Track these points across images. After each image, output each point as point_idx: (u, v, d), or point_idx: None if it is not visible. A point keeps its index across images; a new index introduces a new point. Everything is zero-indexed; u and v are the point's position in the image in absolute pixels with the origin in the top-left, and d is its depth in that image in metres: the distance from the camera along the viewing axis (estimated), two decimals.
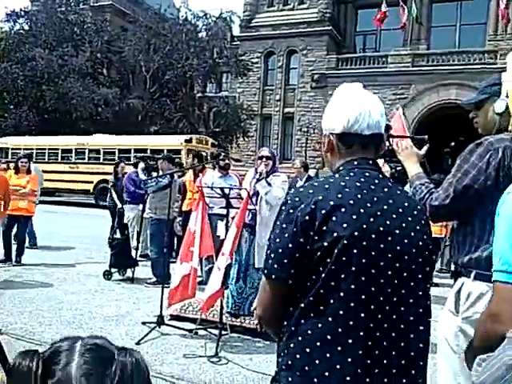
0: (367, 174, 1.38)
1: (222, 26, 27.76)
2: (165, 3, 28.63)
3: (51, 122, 24.91)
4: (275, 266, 1.31)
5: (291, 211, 1.31)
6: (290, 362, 1.30)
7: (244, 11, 29.54)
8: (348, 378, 1.23)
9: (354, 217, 1.28)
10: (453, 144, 20.45)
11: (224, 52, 26.32)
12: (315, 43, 27.38)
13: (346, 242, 1.25)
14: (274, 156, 4.88)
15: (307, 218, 1.28)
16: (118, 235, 7.03)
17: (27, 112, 25.56)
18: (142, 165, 7.25)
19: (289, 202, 1.37)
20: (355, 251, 1.27)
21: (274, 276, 1.32)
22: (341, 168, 1.42)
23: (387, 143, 2.40)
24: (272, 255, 1.33)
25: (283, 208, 1.37)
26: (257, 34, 28.67)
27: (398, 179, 2.47)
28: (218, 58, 26.17)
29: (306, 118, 27.37)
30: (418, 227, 1.38)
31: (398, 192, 1.41)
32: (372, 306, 1.27)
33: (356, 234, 1.27)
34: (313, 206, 1.29)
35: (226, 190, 4.60)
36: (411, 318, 1.34)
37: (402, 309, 1.33)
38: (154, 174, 6.84)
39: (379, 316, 1.28)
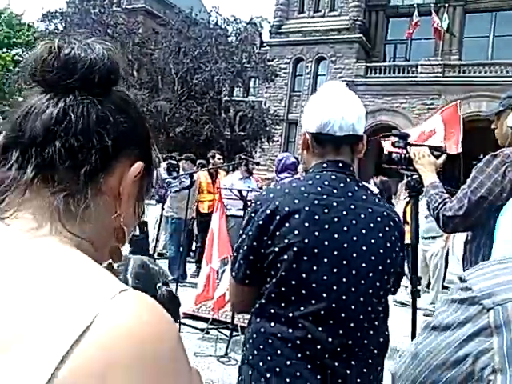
0: (333, 177, 1.37)
1: (252, 31, 27.91)
2: (196, 7, 28.91)
3: None
4: (235, 265, 1.37)
5: (252, 214, 1.35)
6: (250, 357, 1.33)
7: (274, 17, 29.63)
8: (298, 374, 1.26)
9: (307, 224, 1.28)
10: (481, 157, 20.07)
11: (252, 57, 26.44)
12: (345, 50, 27.25)
13: (295, 248, 1.26)
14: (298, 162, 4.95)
15: (263, 222, 1.31)
16: (137, 232, 7.09)
17: None
18: (164, 164, 7.31)
19: (252, 204, 1.40)
20: (305, 258, 1.26)
21: (233, 274, 1.39)
22: (310, 170, 1.43)
23: (404, 151, 2.39)
24: (234, 254, 1.39)
25: (248, 210, 1.42)
26: (286, 40, 28.71)
27: (414, 187, 2.44)
28: (247, 62, 26.28)
29: None
30: (380, 234, 1.34)
31: (364, 197, 1.38)
32: (322, 312, 1.27)
33: (306, 241, 1.27)
34: (268, 212, 1.31)
35: (244, 193, 4.63)
36: (366, 325, 1.32)
37: (358, 316, 1.31)
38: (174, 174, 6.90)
39: (330, 321, 1.28)
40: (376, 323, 1.34)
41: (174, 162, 7.26)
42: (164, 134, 22.29)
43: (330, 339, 1.27)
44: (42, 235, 0.55)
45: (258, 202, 1.36)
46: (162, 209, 6.75)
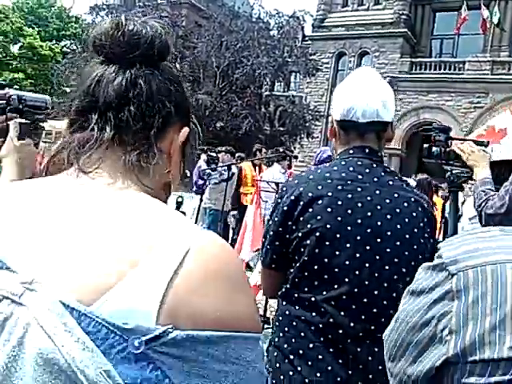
0: (359, 163, 1.37)
1: (294, 25, 27.74)
2: (239, 0, 29.00)
3: None
4: (263, 250, 1.41)
5: (278, 201, 1.37)
6: (276, 339, 1.36)
7: (317, 10, 29.36)
8: (320, 357, 1.27)
9: (329, 209, 1.29)
10: None
11: (294, 51, 26.30)
12: (389, 45, 26.71)
13: (318, 233, 1.27)
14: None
15: (287, 208, 1.32)
16: None
17: None
18: (204, 156, 7.39)
19: (279, 191, 1.42)
20: (327, 243, 1.27)
21: (261, 259, 1.43)
22: (337, 157, 1.43)
23: (445, 145, 2.33)
24: (263, 240, 1.42)
25: (275, 196, 1.44)
26: (329, 34, 28.40)
27: (453, 182, 2.37)
28: (288, 56, 26.17)
29: None
30: (406, 219, 1.33)
31: (391, 182, 1.37)
32: (344, 297, 1.27)
33: (328, 226, 1.27)
34: (293, 198, 1.33)
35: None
36: (390, 311, 1.28)
37: (382, 301, 1.31)
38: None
39: (353, 306, 1.29)
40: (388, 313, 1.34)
41: (214, 155, 7.33)
42: (204, 127, 22.50)
43: (352, 324, 1.27)
44: (123, 187, 0.65)
45: (284, 189, 1.39)
46: (201, 200, 6.82)
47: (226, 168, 6.15)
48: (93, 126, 0.67)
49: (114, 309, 0.53)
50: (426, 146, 2.37)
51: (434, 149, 2.33)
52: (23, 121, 1.33)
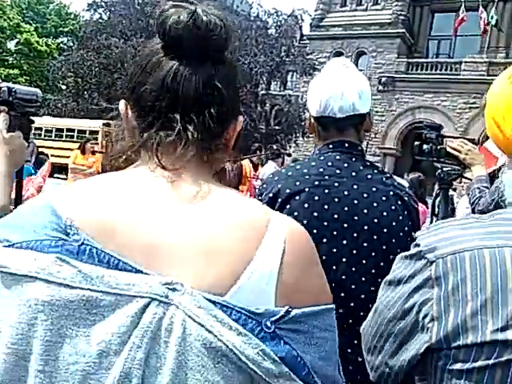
0: (337, 158, 1.36)
1: (292, 24, 27.70)
2: None
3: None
4: None
5: (259, 198, 1.36)
6: None
7: (316, 10, 29.35)
8: None
9: (306, 205, 1.29)
10: None
11: (292, 50, 26.27)
12: (386, 45, 26.73)
13: None
14: None
15: (266, 205, 1.33)
16: None
17: (98, 98, 26.73)
18: None
19: (259, 188, 1.42)
20: None
21: None
22: (316, 152, 1.42)
23: (436, 142, 2.32)
24: None
25: (256, 192, 1.43)
26: (327, 34, 28.40)
27: (443, 179, 2.37)
28: (286, 56, 26.13)
29: None
30: (385, 213, 1.32)
31: (369, 176, 1.36)
32: None
33: (305, 222, 1.26)
34: (271, 195, 1.33)
35: None
36: (369, 305, 1.30)
37: (359, 295, 1.31)
38: None
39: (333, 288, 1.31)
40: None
41: None
42: None
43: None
44: (211, 185, 0.68)
45: (264, 186, 1.39)
46: None
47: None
48: (178, 126, 0.67)
49: (245, 297, 0.60)
50: (416, 143, 2.37)
51: (424, 146, 2.33)
52: (13, 113, 1.31)
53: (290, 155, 7.68)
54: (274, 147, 7.27)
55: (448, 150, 2.25)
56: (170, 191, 0.65)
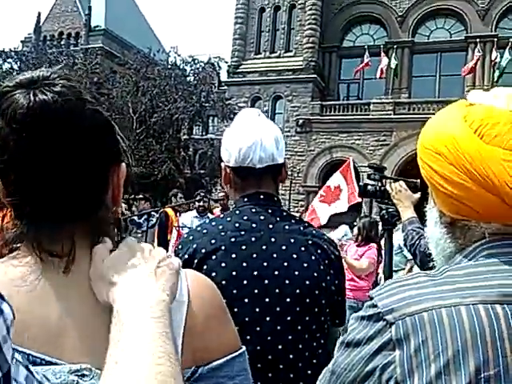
0: (253, 211, 1.33)
1: (210, 71, 28.41)
2: (155, 47, 29.24)
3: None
4: None
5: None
6: None
7: (232, 57, 30.33)
8: None
9: (223, 264, 1.25)
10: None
11: (211, 96, 26.81)
12: (300, 89, 28.07)
13: None
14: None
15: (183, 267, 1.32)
16: None
17: None
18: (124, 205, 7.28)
19: (175, 249, 1.36)
20: (225, 301, 1.24)
21: None
22: (233, 206, 1.41)
23: (379, 184, 2.39)
24: None
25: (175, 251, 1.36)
26: (244, 80, 29.35)
27: (387, 221, 2.42)
28: (205, 101, 26.62)
29: (290, 161, 27.66)
30: (305, 264, 1.29)
31: (287, 227, 1.33)
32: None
33: (224, 282, 1.22)
34: (186, 257, 1.28)
35: None
36: (300, 364, 1.26)
37: (288, 355, 1.26)
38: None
39: (258, 365, 1.20)
40: (314, 361, 1.28)
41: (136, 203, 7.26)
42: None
43: (259, 365, 1.19)
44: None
45: (180, 246, 1.33)
46: None
47: (152, 214, 6.13)
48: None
49: None
50: (361, 183, 2.40)
51: (369, 187, 2.38)
52: None
53: (217, 201, 7.66)
54: (201, 193, 7.14)
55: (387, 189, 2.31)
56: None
